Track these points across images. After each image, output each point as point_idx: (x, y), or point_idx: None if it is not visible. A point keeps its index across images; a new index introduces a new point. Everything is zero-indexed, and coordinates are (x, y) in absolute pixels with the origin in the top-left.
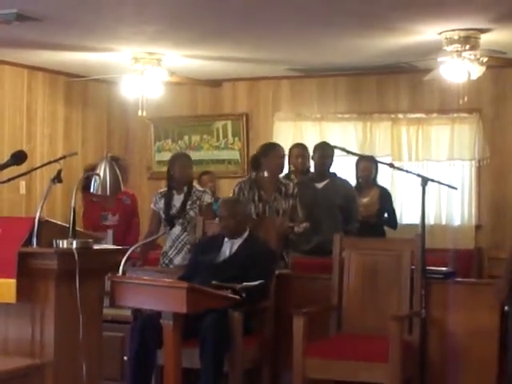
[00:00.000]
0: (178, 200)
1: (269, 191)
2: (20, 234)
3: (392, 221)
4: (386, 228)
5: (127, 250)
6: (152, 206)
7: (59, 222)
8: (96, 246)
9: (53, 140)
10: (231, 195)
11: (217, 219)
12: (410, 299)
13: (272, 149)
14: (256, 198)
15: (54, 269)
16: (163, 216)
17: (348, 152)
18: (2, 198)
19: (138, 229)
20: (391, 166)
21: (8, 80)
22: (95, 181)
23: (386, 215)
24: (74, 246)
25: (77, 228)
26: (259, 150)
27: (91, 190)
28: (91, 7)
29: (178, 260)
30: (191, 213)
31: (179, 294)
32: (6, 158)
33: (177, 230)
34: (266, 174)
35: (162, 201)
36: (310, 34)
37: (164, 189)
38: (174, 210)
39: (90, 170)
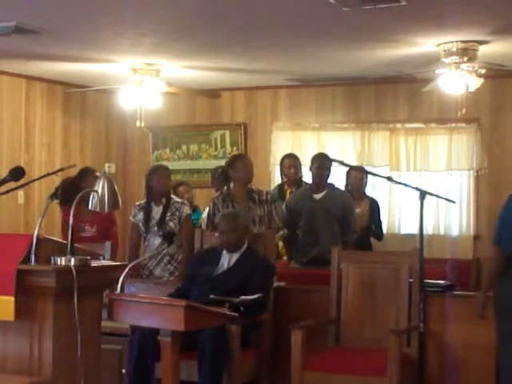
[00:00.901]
0: (157, 212)
1: (242, 202)
2: (18, 252)
3: (379, 232)
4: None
5: (125, 266)
6: (131, 218)
7: (57, 239)
8: (94, 263)
9: (51, 149)
10: (206, 212)
11: (209, 232)
12: (408, 312)
13: (238, 159)
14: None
15: (52, 286)
16: (142, 228)
17: (345, 165)
18: (0, 208)
19: (116, 239)
20: (389, 179)
21: (6, 90)
22: (93, 197)
23: (372, 226)
24: (72, 263)
25: (75, 245)
26: (226, 163)
27: (89, 207)
28: (89, 21)
29: (157, 271)
30: (171, 224)
31: (177, 312)
32: (4, 167)
33: (156, 241)
34: (234, 185)
35: (141, 213)
36: (309, 46)
37: (142, 201)
38: (153, 222)
39: (68, 183)
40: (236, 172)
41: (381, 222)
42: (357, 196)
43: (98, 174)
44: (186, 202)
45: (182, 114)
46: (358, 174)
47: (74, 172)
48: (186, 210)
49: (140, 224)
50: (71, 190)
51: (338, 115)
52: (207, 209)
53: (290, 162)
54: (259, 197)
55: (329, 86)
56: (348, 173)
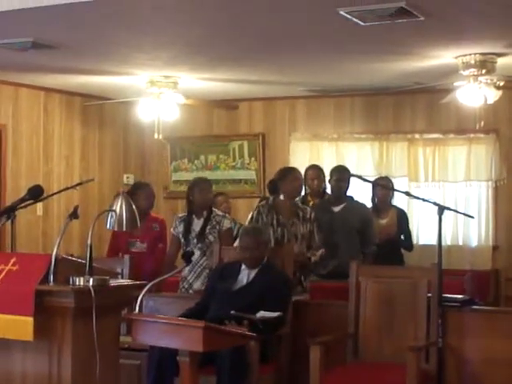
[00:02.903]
0: (197, 224)
1: (287, 215)
2: (37, 272)
3: (408, 242)
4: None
5: (144, 285)
6: (172, 230)
7: (76, 259)
8: (113, 282)
9: (70, 161)
10: (249, 218)
11: (235, 245)
12: (426, 327)
13: (289, 172)
14: (274, 222)
15: (70, 307)
16: (182, 240)
17: (364, 180)
18: (19, 220)
19: (162, 255)
20: (407, 194)
21: (25, 102)
22: (111, 217)
23: (402, 237)
24: (91, 283)
25: (94, 264)
26: (276, 174)
27: (107, 226)
28: (107, 36)
29: (197, 285)
30: (210, 237)
31: (195, 333)
32: (23, 179)
33: (196, 254)
34: (282, 197)
35: (182, 225)
36: (327, 59)
37: (184, 213)
38: (193, 235)
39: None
40: (285, 185)
41: (410, 232)
42: (383, 207)
43: (151, 188)
44: (227, 215)
45: (199, 124)
46: (381, 187)
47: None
48: (227, 223)
49: (180, 236)
50: None
51: (357, 126)
52: (251, 215)
53: (314, 174)
54: (303, 214)
55: (347, 96)
56: (374, 184)
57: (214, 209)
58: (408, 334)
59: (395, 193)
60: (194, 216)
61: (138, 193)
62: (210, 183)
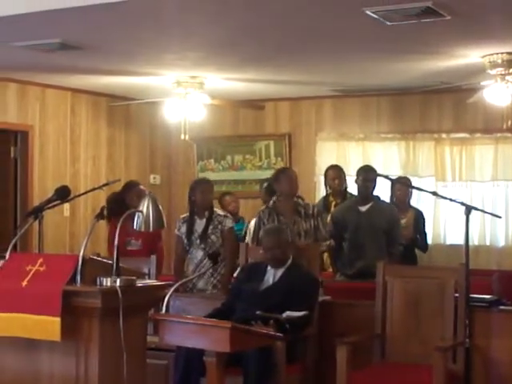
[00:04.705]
0: (199, 225)
1: (288, 215)
2: (64, 272)
3: (424, 243)
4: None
5: (171, 285)
6: (176, 231)
7: (103, 259)
8: (139, 282)
9: (96, 161)
10: (252, 224)
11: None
12: (454, 327)
13: (282, 173)
14: (276, 223)
15: (97, 307)
16: (185, 241)
17: (390, 179)
18: (46, 220)
19: (162, 254)
20: (434, 194)
21: (52, 103)
22: (138, 217)
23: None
24: (118, 283)
25: (120, 264)
26: (271, 177)
27: (134, 227)
28: (134, 38)
29: (200, 284)
30: (213, 237)
31: (222, 334)
32: (50, 180)
33: (199, 254)
34: (279, 198)
35: (185, 226)
36: (353, 59)
37: (186, 214)
38: (195, 235)
39: (113, 197)
40: (280, 185)
41: (426, 234)
42: (402, 207)
43: (141, 187)
44: (228, 215)
45: (226, 124)
46: (402, 185)
47: (118, 186)
48: (229, 222)
49: (183, 237)
50: (116, 205)
51: (383, 125)
52: (253, 222)
53: (334, 174)
54: (305, 210)
55: (373, 96)
56: (393, 184)
57: (215, 209)
58: (435, 335)
59: (421, 193)
60: (196, 217)
61: (129, 192)
62: (212, 184)
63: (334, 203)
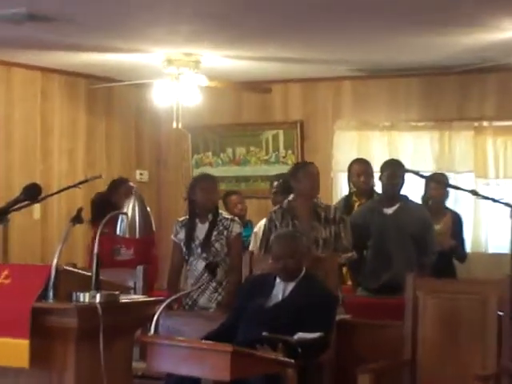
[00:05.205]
0: (201, 230)
1: (305, 219)
2: (34, 286)
3: (462, 252)
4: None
5: (161, 301)
6: (172, 237)
7: (79, 271)
8: (124, 298)
9: (73, 155)
10: (262, 227)
11: (263, 253)
12: (497, 352)
13: (302, 168)
14: (290, 228)
15: (73, 327)
16: (184, 249)
17: (422, 176)
18: (13, 224)
19: (156, 262)
20: (474, 193)
21: (18, 85)
22: (122, 221)
23: None
24: (98, 299)
25: (101, 277)
26: (288, 172)
27: (117, 232)
28: (116, 8)
29: (202, 301)
30: (217, 245)
31: (222, 359)
32: (16, 178)
33: (200, 265)
34: (298, 198)
35: (183, 231)
36: (378, 31)
37: (185, 217)
38: (196, 242)
39: (99, 198)
40: (299, 183)
41: (464, 240)
42: (437, 210)
43: (131, 184)
44: (236, 218)
45: (226, 111)
46: (438, 184)
47: (104, 184)
48: (236, 228)
49: (182, 244)
50: (102, 206)
51: (413, 112)
52: (261, 225)
53: (360, 169)
54: (325, 214)
55: (402, 77)
56: (427, 182)
57: (220, 211)
58: (475, 360)
59: (458, 193)
60: (197, 220)
61: (117, 191)
62: (216, 180)
63: (357, 204)
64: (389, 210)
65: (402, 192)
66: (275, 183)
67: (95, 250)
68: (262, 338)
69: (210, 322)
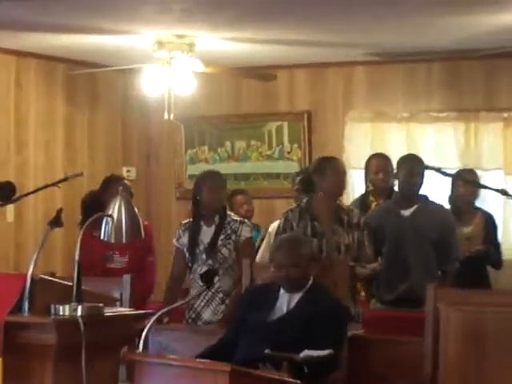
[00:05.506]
0: (206, 233)
1: (326, 221)
2: (7, 297)
3: (497, 257)
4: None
5: (150, 314)
6: (174, 241)
7: (59, 280)
8: (108, 311)
9: (50, 149)
10: (275, 227)
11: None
12: None
13: (328, 163)
14: (309, 230)
15: (52, 344)
16: (187, 255)
17: (444, 174)
18: None
19: (152, 271)
20: (503, 193)
21: None
22: (106, 224)
23: None
24: (79, 312)
25: (83, 287)
26: (311, 166)
27: (101, 237)
28: None
29: (207, 314)
30: (224, 251)
31: (220, 379)
32: None
33: None
34: (321, 197)
35: (187, 235)
36: (394, 12)
37: (189, 219)
38: (201, 247)
39: (90, 197)
40: (324, 180)
41: (499, 245)
42: (467, 210)
43: (126, 182)
44: (246, 221)
45: (224, 100)
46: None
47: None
48: (246, 231)
49: (185, 249)
50: (94, 207)
51: (435, 101)
52: (274, 226)
53: (379, 165)
54: (348, 218)
55: (422, 62)
56: (454, 181)
57: (229, 212)
58: (503, 381)
59: (484, 191)
60: (202, 222)
61: (109, 190)
62: (223, 178)
63: (374, 205)
64: (406, 212)
65: (422, 192)
66: (297, 179)
67: (76, 257)
68: (264, 355)
69: (207, 338)
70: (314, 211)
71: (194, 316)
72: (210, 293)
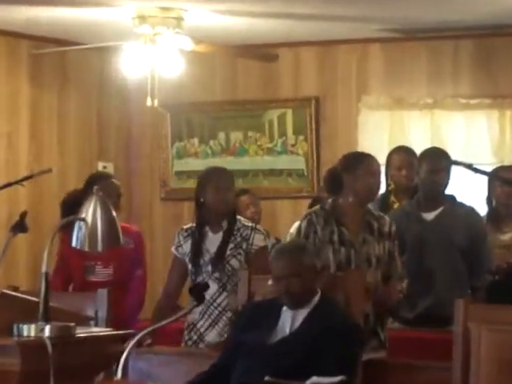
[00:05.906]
0: (213, 242)
1: (355, 228)
2: None
3: None
4: None
5: (132, 334)
6: (173, 249)
7: (23, 296)
8: (81, 331)
9: (13, 140)
10: (294, 232)
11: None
12: None
13: (360, 160)
14: (335, 238)
15: (14, 370)
16: (190, 267)
17: (476, 171)
18: None
19: (142, 286)
20: None
21: None
22: (79, 229)
23: None
24: (47, 333)
25: (51, 303)
26: (340, 163)
27: (73, 244)
28: None
29: (211, 335)
30: (233, 262)
31: None
32: None
33: (212, 288)
34: (350, 199)
35: (189, 243)
36: None
37: (191, 224)
38: (206, 258)
39: (71, 198)
40: (355, 180)
41: None
42: (506, 214)
43: (115, 181)
44: (259, 227)
45: (217, 84)
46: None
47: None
48: (259, 240)
49: (186, 259)
50: (74, 208)
51: (463, 86)
52: (294, 228)
53: (402, 160)
54: (379, 226)
55: (449, 39)
56: (490, 180)
57: (238, 217)
58: None
59: None
60: (207, 228)
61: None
62: (231, 175)
63: (397, 205)
64: (429, 216)
65: (448, 192)
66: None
67: (43, 268)
68: (264, 382)
69: (198, 363)
70: (342, 216)
71: (195, 338)
72: (216, 312)
